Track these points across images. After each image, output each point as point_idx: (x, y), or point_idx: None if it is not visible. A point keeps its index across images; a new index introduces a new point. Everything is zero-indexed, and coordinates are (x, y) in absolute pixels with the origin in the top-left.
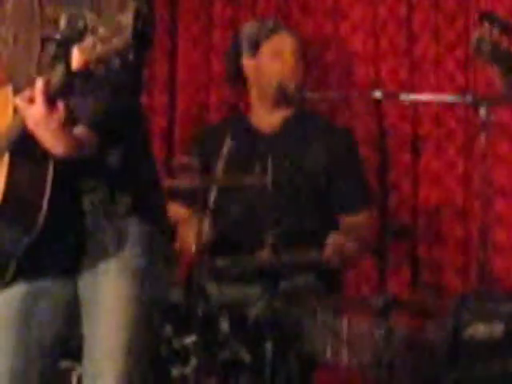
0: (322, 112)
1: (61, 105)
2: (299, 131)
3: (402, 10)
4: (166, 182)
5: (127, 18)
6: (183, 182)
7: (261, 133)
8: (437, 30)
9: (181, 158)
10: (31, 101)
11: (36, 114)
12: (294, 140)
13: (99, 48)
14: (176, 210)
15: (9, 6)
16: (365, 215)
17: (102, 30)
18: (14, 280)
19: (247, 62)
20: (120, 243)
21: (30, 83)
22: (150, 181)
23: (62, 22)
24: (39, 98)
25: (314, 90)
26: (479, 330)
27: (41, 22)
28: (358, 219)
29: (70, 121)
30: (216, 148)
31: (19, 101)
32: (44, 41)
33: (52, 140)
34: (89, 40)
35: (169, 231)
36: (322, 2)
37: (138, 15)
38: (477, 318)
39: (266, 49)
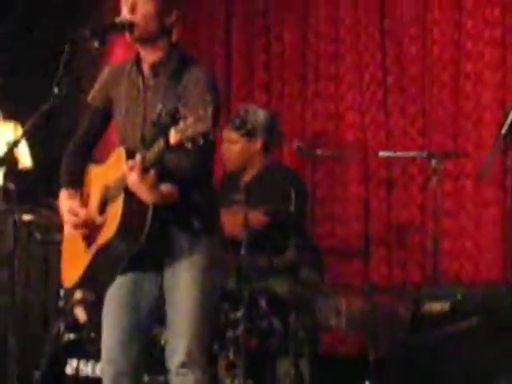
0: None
1: (152, 172)
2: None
3: (380, 95)
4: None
5: (208, 112)
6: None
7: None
8: (403, 109)
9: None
10: (131, 169)
11: (133, 179)
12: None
13: (190, 131)
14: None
15: (123, 87)
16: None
17: (190, 118)
18: (124, 272)
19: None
20: (191, 250)
21: (136, 147)
22: (212, 208)
23: (159, 108)
24: (136, 169)
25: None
26: (433, 306)
27: (143, 104)
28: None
29: (157, 181)
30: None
31: (125, 167)
32: (150, 121)
33: (144, 195)
34: (182, 125)
35: (223, 242)
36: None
37: (215, 109)
38: (431, 299)
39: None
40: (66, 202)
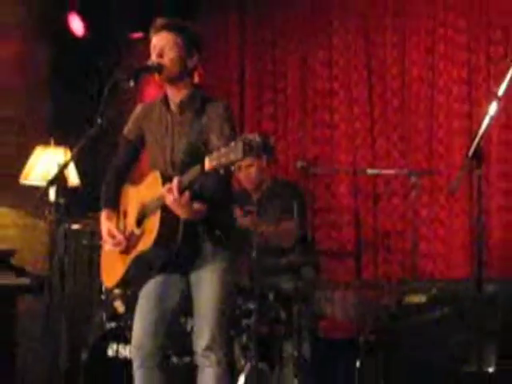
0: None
1: (187, 193)
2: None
3: (367, 124)
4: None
5: (239, 144)
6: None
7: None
8: (387, 135)
9: (247, 207)
10: (169, 191)
11: (171, 199)
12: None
13: (223, 160)
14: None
15: (153, 121)
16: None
17: (224, 149)
18: (157, 274)
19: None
20: (214, 255)
21: (165, 171)
22: (230, 221)
23: (188, 140)
24: (174, 191)
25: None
26: (412, 299)
27: (171, 136)
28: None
29: (191, 201)
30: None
31: (163, 190)
32: (178, 150)
33: (179, 212)
34: (215, 154)
35: (239, 249)
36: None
37: (245, 143)
38: (411, 292)
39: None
40: (105, 222)
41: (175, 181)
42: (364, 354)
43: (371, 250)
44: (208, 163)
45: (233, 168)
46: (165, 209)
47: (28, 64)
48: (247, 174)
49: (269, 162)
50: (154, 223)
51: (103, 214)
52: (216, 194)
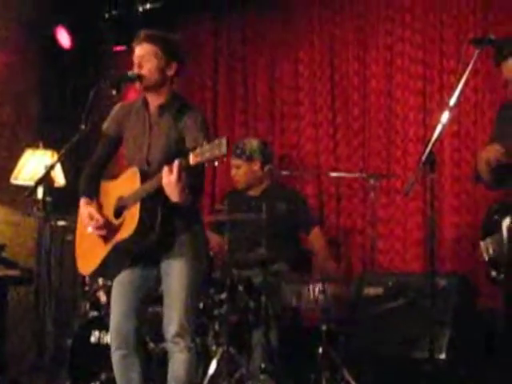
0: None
1: (184, 175)
2: (272, 194)
3: (331, 130)
4: (208, 218)
5: (223, 141)
6: (217, 218)
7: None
8: (348, 141)
9: (218, 206)
10: (170, 171)
11: (172, 179)
12: (270, 199)
13: (207, 155)
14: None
15: (132, 120)
16: (315, 231)
17: (207, 146)
18: (132, 263)
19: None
20: (185, 245)
21: (147, 164)
22: (199, 213)
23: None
24: (175, 170)
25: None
26: (371, 291)
27: (149, 136)
28: (312, 235)
29: (185, 185)
30: (233, 202)
31: (164, 170)
32: (155, 149)
33: (174, 192)
34: (200, 150)
35: (207, 239)
36: None
37: (228, 140)
38: (369, 284)
39: None
40: (85, 207)
41: (177, 162)
42: (326, 341)
43: (334, 247)
44: (192, 158)
45: (216, 163)
46: (146, 200)
47: (18, 73)
48: (234, 174)
49: (263, 163)
50: (134, 213)
51: (82, 201)
52: (196, 187)
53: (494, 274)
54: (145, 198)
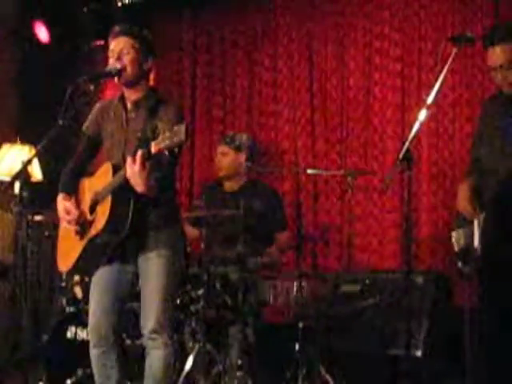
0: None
1: (147, 165)
2: (249, 191)
3: (308, 127)
4: (186, 214)
5: (182, 127)
6: (194, 214)
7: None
8: (326, 138)
9: (196, 201)
10: (133, 161)
11: (135, 169)
12: (247, 196)
13: (167, 142)
14: (189, 229)
15: (110, 118)
16: (285, 234)
17: (167, 133)
18: (108, 261)
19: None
20: (158, 241)
21: (119, 163)
22: (176, 207)
23: (142, 130)
24: (139, 161)
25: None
26: (348, 288)
27: (126, 131)
28: (282, 236)
29: (149, 176)
30: (210, 197)
31: (128, 161)
32: (132, 144)
33: (140, 183)
34: (160, 138)
35: (184, 235)
36: None
37: (187, 126)
38: (346, 282)
39: None
40: (61, 201)
41: (140, 152)
42: (303, 337)
43: (311, 243)
44: (154, 146)
45: (177, 150)
46: (116, 193)
47: None
48: (219, 160)
49: (249, 157)
50: (105, 208)
51: (60, 196)
52: (165, 178)
53: (459, 264)
54: (115, 192)
